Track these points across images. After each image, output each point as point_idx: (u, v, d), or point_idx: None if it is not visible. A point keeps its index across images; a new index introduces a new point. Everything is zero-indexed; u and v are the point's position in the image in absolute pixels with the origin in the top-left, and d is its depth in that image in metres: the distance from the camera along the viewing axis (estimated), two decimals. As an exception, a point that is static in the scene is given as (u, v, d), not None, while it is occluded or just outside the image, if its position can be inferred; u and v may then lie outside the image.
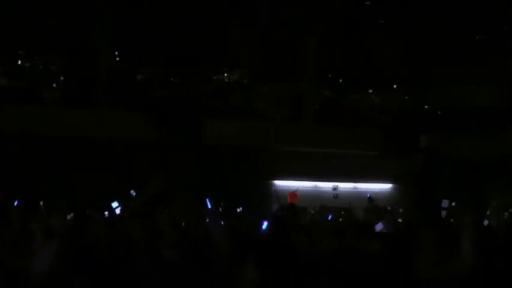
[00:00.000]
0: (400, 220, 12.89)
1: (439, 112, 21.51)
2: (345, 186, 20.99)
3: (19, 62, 18.81)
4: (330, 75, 21.11)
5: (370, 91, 21.30)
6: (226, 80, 20.79)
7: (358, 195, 20.21)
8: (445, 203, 11.02)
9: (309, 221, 10.78)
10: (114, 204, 7.64)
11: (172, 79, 19.75)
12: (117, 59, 19.97)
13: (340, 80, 21.30)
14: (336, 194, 20.85)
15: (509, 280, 4.87)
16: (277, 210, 13.14)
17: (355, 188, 20.92)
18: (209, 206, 10.39)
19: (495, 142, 19.64)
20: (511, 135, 19.38)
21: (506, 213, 14.06)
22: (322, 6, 18.92)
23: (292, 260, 5.97)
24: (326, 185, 20.87)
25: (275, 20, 19.36)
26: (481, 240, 5.63)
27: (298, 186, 18.89)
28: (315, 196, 20.26)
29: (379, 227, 7.68)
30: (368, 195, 16.82)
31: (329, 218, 10.21)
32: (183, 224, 7.28)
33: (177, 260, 5.66)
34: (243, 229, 7.95)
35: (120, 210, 7.55)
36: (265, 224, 6.71)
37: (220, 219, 8.30)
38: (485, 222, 9.93)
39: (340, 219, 11.16)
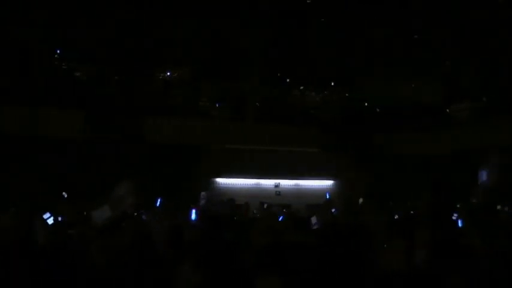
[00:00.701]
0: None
1: (377, 110, 21.78)
2: (287, 183, 21.15)
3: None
4: (271, 73, 21.16)
5: (311, 89, 21.41)
6: (168, 78, 20.64)
7: (300, 192, 20.43)
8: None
9: (250, 219, 10.87)
10: (46, 215, 7.38)
11: (113, 77, 19.51)
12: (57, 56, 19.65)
13: (282, 78, 21.36)
14: (278, 191, 20.99)
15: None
16: (211, 208, 13.13)
17: (296, 185, 21.09)
18: (158, 205, 10.37)
19: (433, 139, 20.06)
20: (449, 132, 19.83)
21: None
22: (264, 4, 18.98)
23: (231, 259, 6.01)
24: (268, 182, 21.00)
25: (216, 18, 19.33)
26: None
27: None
28: (258, 193, 20.37)
29: (313, 220, 7.78)
30: (327, 195, 17.12)
31: (280, 218, 10.22)
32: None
33: (116, 260, 5.63)
34: (182, 229, 7.97)
35: (53, 220, 7.36)
36: (193, 213, 6.70)
37: (161, 218, 8.30)
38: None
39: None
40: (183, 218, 8.84)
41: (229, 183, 20.53)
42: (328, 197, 16.91)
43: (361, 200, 16.73)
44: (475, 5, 17.59)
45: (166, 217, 8.31)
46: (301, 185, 21.05)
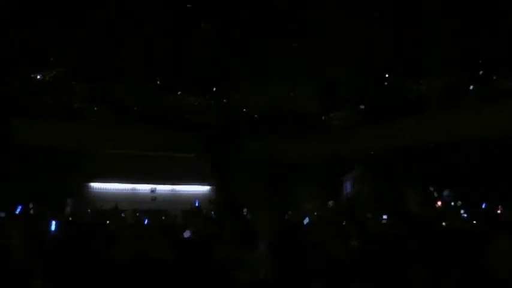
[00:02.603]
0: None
1: (256, 116, 21.85)
2: (163, 188, 20.86)
3: None
4: (150, 77, 20.74)
5: (190, 93, 21.16)
6: (42, 78, 19.77)
7: (176, 198, 20.21)
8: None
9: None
10: None
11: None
12: None
13: (160, 82, 20.97)
14: (153, 197, 20.67)
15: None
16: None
17: (173, 190, 20.84)
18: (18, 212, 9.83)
19: (310, 145, 20.37)
20: (326, 138, 20.22)
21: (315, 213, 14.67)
22: (142, 6, 18.63)
23: (92, 267, 5.74)
24: (144, 188, 20.62)
25: (95, 17, 18.79)
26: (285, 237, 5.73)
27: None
28: (133, 199, 19.99)
29: (186, 234, 7.58)
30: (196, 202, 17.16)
31: (145, 222, 9.99)
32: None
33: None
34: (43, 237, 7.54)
35: None
36: (53, 224, 6.36)
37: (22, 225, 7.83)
38: (306, 220, 10.19)
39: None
40: (45, 225, 8.40)
41: (104, 188, 20.00)
42: (197, 204, 16.97)
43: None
44: (351, 14, 17.98)
45: (26, 224, 7.85)
46: (178, 191, 20.82)
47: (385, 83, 19.92)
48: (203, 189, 21.15)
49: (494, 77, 17.73)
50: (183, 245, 6.34)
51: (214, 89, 21.51)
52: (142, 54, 19.69)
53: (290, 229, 7.90)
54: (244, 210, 16.04)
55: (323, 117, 21.35)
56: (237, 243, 5.43)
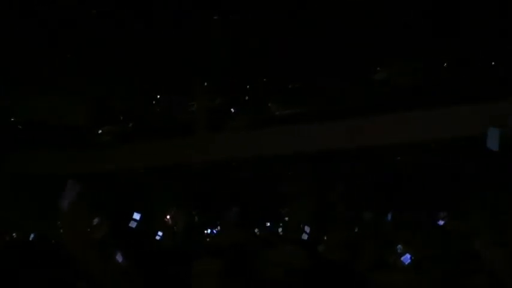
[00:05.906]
0: None
1: (19, 126, 20.95)
2: None
3: None
4: None
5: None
6: None
7: None
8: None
9: None
10: None
11: None
12: None
13: None
14: None
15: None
16: None
17: None
18: None
19: (76, 159, 19.88)
20: (90, 153, 19.83)
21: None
22: None
23: None
24: None
25: None
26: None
27: None
28: None
29: None
30: None
31: None
32: None
33: None
34: None
35: None
36: None
37: None
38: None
39: None
40: None
41: None
42: None
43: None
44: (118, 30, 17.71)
45: None
46: None
47: (155, 102, 19.97)
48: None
49: (261, 101, 18.41)
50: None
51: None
52: None
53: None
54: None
55: (92, 132, 20.97)
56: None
